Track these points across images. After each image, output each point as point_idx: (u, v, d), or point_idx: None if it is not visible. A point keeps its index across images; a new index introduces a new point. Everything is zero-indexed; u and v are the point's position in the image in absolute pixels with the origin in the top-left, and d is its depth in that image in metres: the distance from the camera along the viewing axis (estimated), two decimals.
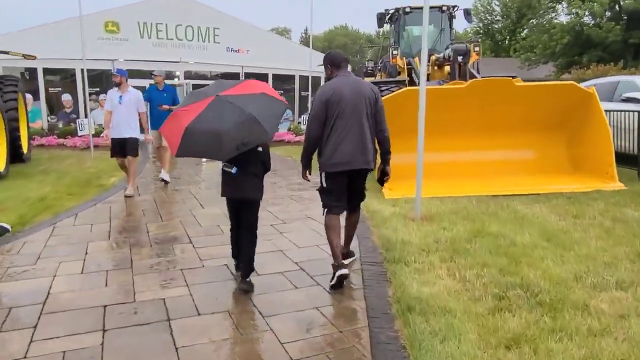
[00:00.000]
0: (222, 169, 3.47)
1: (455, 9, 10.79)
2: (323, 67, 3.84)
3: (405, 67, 9.99)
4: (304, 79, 19.89)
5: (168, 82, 10.22)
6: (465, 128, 7.60)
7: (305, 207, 6.38)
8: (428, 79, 9.38)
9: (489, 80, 7.05)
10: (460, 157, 7.72)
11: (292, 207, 6.42)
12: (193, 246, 4.66)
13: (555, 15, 29.53)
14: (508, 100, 7.23)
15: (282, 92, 19.91)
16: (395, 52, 10.07)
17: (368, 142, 3.61)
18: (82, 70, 14.17)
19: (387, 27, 12.00)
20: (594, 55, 22.62)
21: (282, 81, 20.46)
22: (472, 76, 8.64)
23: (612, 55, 21.74)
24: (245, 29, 18.86)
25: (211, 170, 9.88)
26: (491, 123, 7.58)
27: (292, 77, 20.04)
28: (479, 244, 4.38)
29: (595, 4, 21.92)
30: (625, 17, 22.32)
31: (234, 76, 18.89)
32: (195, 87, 17.90)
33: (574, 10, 24.43)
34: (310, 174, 3.88)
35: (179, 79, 17.97)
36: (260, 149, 3.47)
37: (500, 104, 7.30)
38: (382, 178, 4.09)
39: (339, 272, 3.52)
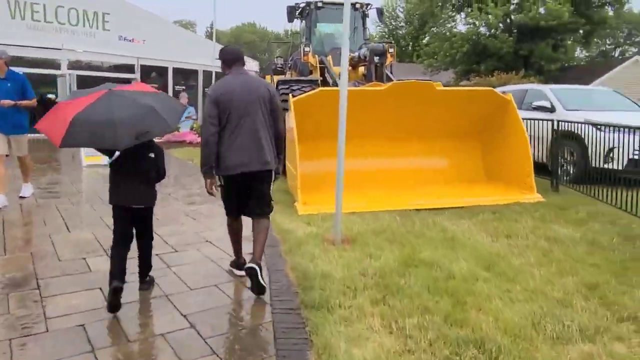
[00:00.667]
0: (111, 170, 3.25)
1: (369, 7, 10.23)
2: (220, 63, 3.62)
3: (318, 65, 9.20)
4: (208, 74, 18.42)
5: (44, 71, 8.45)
6: (383, 133, 6.98)
7: (205, 226, 5.27)
8: None
9: (409, 83, 6.47)
10: (378, 164, 7.10)
11: (187, 226, 5.28)
12: (40, 294, 3.38)
13: (455, 24, 30.91)
14: (427, 104, 6.72)
15: (184, 88, 18.34)
16: (307, 49, 9.24)
17: (264, 143, 3.44)
18: None
19: (298, 22, 11.13)
20: (490, 64, 23.77)
21: (185, 76, 18.83)
22: (388, 79, 8.07)
23: (506, 65, 22.98)
24: (140, 16, 16.96)
25: (93, 177, 8.30)
26: (409, 128, 7.05)
27: (195, 72, 18.48)
28: (413, 277, 3.63)
29: (490, 15, 23.03)
30: (515, 30, 23.72)
31: (129, 68, 16.94)
32: (82, 79, 15.68)
33: (470, 20, 25.57)
34: (216, 187, 3.52)
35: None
36: (152, 155, 3.27)
37: (419, 109, 6.77)
38: (275, 176, 3.76)
39: (238, 272, 3.68)
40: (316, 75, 9.19)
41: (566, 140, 7.28)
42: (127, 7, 16.74)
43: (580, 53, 33.05)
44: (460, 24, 29.53)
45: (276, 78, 10.21)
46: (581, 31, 24.75)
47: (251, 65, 20.31)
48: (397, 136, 7.05)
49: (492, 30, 24.35)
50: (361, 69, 9.18)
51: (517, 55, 23.70)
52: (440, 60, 26.38)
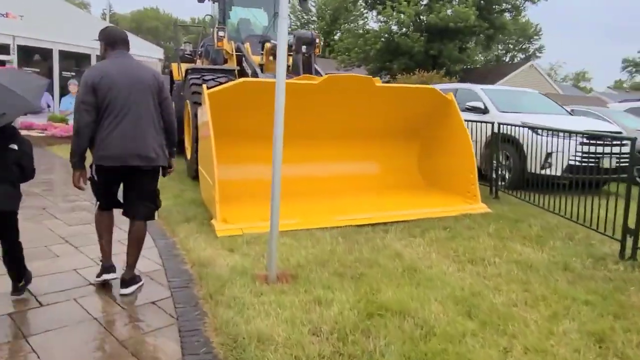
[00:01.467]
0: None
1: None
2: (99, 45, 3.25)
3: (234, 53, 7.95)
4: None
5: None
6: (314, 134, 5.98)
7: (90, 259, 3.89)
8: (262, 71, 7.54)
9: (347, 77, 5.54)
10: (307, 170, 6.10)
11: (63, 262, 3.86)
12: None
13: (366, 21, 30.86)
14: (364, 102, 5.85)
15: (75, 74, 15.91)
16: (221, 34, 7.94)
17: (147, 136, 3.11)
18: None
19: (209, 5, 9.73)
20: (402, 63, 23.91)
21: (74, 60, 16.32)
22: (317, 72, 7.09)
23: (417, 64, 23.22)
24: None
25: None
26: (343, 129, 6.15)
27: (88, 56, 16.06)
28: (382, 335, 2.68)
29: (403, 15, 23.10)
30: (426, 31, 24.06)
31: (4, 48, 14.21)
32: None
33: (382, 18, 25.58)
34: (86, 180, 3.18)
35: None
36: (15, 146, 2.74)
37: (355, 107, 5.88)
38: (165, 170, 3.47)
39: (106, 276, 3.28)
40: (232, 65, 7.94)
41: (502, 143, 6.85)
42: None
43: (480, 56, 34.80)
44: (372, 21, 29.53)
45: (184, 66, 8.78)
46: (482, 35, 25.82)
47: (154, 53, 18.25)
48: (329, 137, 6.11)
49: (404, 29, 24.49)
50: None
51: (427, 54, 24.08)
52: (353, 57, 26.08)
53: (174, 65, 10.18)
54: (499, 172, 6.97)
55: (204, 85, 5.13)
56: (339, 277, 3.56)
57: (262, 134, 5.69)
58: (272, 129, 5.77)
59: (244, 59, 7.73)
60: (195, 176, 6.90)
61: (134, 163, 3.08)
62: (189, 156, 7.48)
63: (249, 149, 5.58)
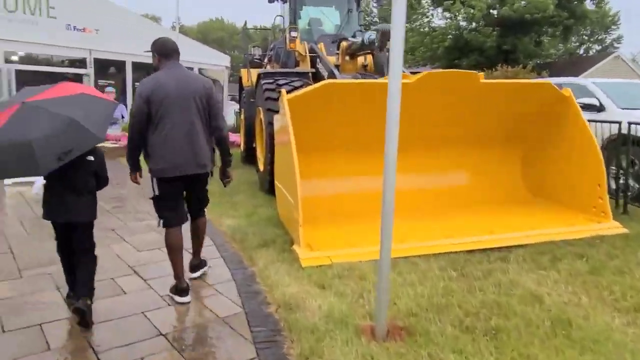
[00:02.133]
0: (45, 186, 2.80)
1: None
2: (152, 56, 3.30)
3: (308, 54, 7.27)
4: None
5: None
6: (404, 141, 5.12)
7: (157, 299, 3.29)
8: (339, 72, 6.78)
9: (449, 74, 4.64)
10: (402, 183, 5.24)
11: (129, 301, 3.27)
12: None
13: (431, 18, 29.41)
14: (466, 102, 4.92)
15: (112, 82, 15.97)
16: (293, 34, 7.28)
17: (201, 144, 3.16)
18: None
19: (279, 5, 9.14)
20: (472, 60, 22.38)
21: (146, 71, 16.46)
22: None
23: (488, 60, 21.62)
24: (94, 3, 14.53)
25: (12, 208, 6.13)
26: (438, 133, 5.24)
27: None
28: None
29: (473, 9, 21.62)
30: (498, 25, 22.37)
31: (81, 62, 14.52)
32: (23, 74, 13.21)
33: (448, 15, 24.15)
34: (140, 176, 3.35)
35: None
36: (91, 157, 2.80)
37: (454, 107, 4.97)
38: (224, 181, 3.54)
39: (180, 299, 3.16)
40: (305, 67, 7.25)
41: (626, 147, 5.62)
42: None
43: (554, 50, 32.16)
44: (437, 18, 28.05)
45: (254, 71, 8.24)
46: (560, 26, 23.65)
47: (220, 60, 18.12)
48: (421, 144, 5.21)
49: (474, 24, 22.94)
50: (360, 59, 7.30)
51: (499, 49, 22.39)
52: (418, 56, 24.85)
53: (243, 71, 9.70)
54: (620, 181, 5.74)
55: (283, 90, 4.44)
56: (467, 333, 2.69)
57: (349, 143, 4.95)
58: (362, 137, 4.97)
59: (318, 60, 7.02)
60: (269, 190, 6.27)
61: (194, 171, 3.16)
62: (261, 168, 6.87)
63: (334, 161, 4.85)
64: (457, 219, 4.89)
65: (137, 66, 15.76)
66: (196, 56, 16.26)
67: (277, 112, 5.95)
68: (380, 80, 5.07)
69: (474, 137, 5.43)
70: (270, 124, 5.94)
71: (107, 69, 15.57)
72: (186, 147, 3.09)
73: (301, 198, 3.99)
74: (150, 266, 3.87)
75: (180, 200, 3.29)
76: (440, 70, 4.72)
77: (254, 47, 9.84)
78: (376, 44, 5.95)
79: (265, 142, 6.21)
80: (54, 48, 13.99)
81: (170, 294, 3.23)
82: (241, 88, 9.93)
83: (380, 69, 6.13)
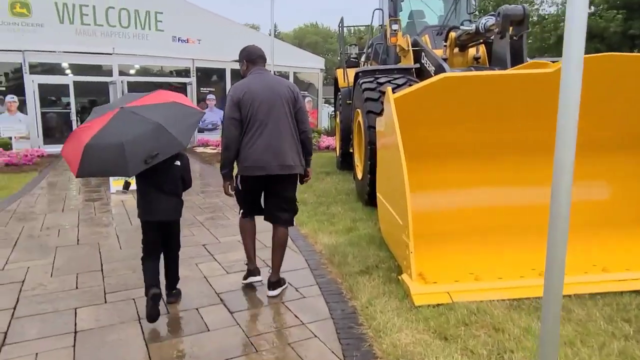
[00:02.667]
0: (137, 184, 2.97)
1: None
2: (239, 63, 3.38)
3: (411, 49, 6.46)
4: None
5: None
6: (525, 146, 4.11)
7: (244, 340, 2.75)
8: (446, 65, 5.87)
9: (603, 58, 3.55)
10: (517, 198, 4.24)
11: (213, 341, 2.78)
12: None
13: (540, 6, 26.68)
14: (616, 94, 3.81)
15: (212, 89, 16.22)
16: (395, 26, 6.53)
17: (286, 145, 3.18)
18: None
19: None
20: (591, 48, 19.71)
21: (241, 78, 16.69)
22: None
23: (611, 47, 18.86)
24: (196, 14, 14.98)
25: (115, 217, 6.12)
26: (590, 136, 4.14)
27: None
28: None
29: None
30: (623, 8, 19.44)
31: (186, 72, 15.08)
32: (134, 85, 13.99)
33: (560, 0, 21.53)
34: (233, 188, 3.34)
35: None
36: (178, 162, 3.00)
37: (599, 103, 3.87)
38: (302, 179, 3.44)
39: (252, 279, 3.44)
40: (408, 62, 6.45)
41: None
42: (182, 4, 14.79)
43: None
44: (547, 5, 25.30)
45: (352, 71, 7.61)
46: None
47: (315, 63, 17.84)
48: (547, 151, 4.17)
49: (592, 9, 20.20)
50: (471, 51, 6.33)
51: (624, 35, 19.45)
52: (527, 47, 22.53)
53: (339, 72, 9.13)
54: None
55: (389, 88, 3.71)
56: None
57: (470, 148, 4.06)
58: (487, 141, 4.10)
59: (423, 54, 6.19)
60: (368, 201, 5.58)
61: (276, 172, 3.15)
62: (359, 176, 6.21)
63: (451, 169, 4.03)
64: (608, 243, 3.81)
65: (236, 73, 16.03)
66: (291, 60, 16.17)
67: (377, 114, 5.26)
68: (512, 71, 4.13)
69: (626, 139, 4.26)
70: (370, 127, 5.26)
71: (210, 77, 15.99)
72: (271, 148, 3.13)
73: (412, 214, 3.24)
74: (238, 296, 3.38)
75: (259, 198, 3.40)
76: (597, 54, 3.62)
77: (350, 45, 9.22)
78: (496, 30, 4.98)
79: (365, 147, 5.53)
80: (161, 59, 14.65)
81: (244, 282, 3.49)
82: (337, 89, 9.37)
83: (497, 61, 5.15)
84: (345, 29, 8.94)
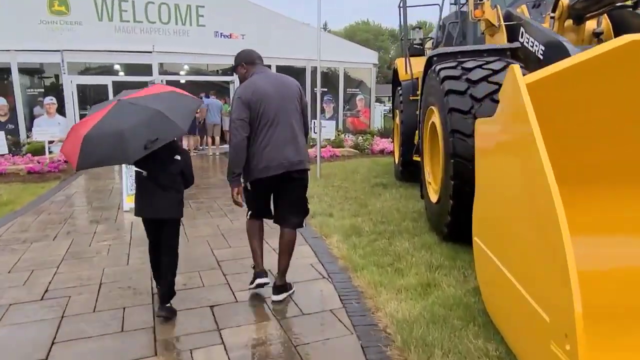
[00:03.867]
0: (135, 180, 2.90)
1: None
2: (235, 71, 3.21)
3: (503, 24, 4.70)
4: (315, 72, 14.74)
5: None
6: None
7: None
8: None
9: None
10: None
11: None
12: None
13: None
14: None
15: None
16: None
17: (301, 141, 3.08)
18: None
19: None
20: None
21: (292, 75, 15.29)
22: None
23: None
24: (239, 7, 13.72)
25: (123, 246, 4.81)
26: None
27: (303, 70, 14.85)
28: None
29: None
30: None
31: (229, 70, 13.84)
32: (174, 85, 12.94)
33: None
34: (243, 197, 3.09)
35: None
36: (178, 157, 2.88)
37: None
38: None
39: (259, 280, 3.13)
40: (500, 40, 4.70)
41: None
42: None
43: None
44: None
45: (417, 60, 5.99)
46: None
47: (368, 57, 16.12)
48: None
49: None
50: (590, 24, 4.49)
51: None
52: None
53: (399, 61, 7.45)
54: None
55: (515, 67, 2.05)
56: None
57: None
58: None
59: (522, 30, 4.42)
60: (449, 235, 3.93)
61: (296, 167, 3.00)
62: (432, 198, 4.46)
63: (622, 200, 2.30)
64: None
65: (281, 69, 14.67)
66: (340, 54, 14.54)
67: (465, 112, 3.59)
68: None
69: None
70: (455, 132, 3.60)
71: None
72: (288, 144, 2.99)
73: (576, 270, 1.55)
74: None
75: (269, 200, 3.21)
76: None
77: (413, 29, 7.50)
78: None
79: (445, 160, 3.85)
80: (203, 57, 13.52)
81: (250, 287, 3.18)
82: (395, 83, 7.70)
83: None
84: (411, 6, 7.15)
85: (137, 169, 2.82)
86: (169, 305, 2.85)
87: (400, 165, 7.06)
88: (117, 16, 12.37)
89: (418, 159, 5.71)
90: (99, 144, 2.54)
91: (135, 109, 2.66)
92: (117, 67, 12.90)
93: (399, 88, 7.19)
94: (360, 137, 11.52)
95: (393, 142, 8.37)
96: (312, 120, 11.46)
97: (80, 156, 2.52)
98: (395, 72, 7.61)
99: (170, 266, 2.90)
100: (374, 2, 67.87)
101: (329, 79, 15.46)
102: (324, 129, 10.89)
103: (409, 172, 6.78)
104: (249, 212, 3.20)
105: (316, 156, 8.23)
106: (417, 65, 6.34)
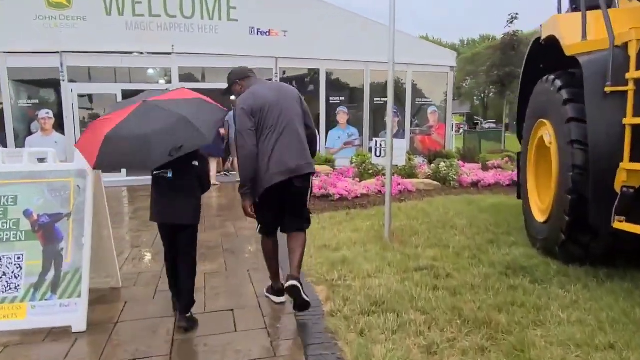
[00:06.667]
0: (153, 184, 2.81)
1: None
2: (231, 91, 3.19)
3: None
4: (380, 76, 11.35)
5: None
6: None
7: None
8: None
9: None
10: None
11: None
12: None
13: None
14: None
15: (343, 98, 11.67)
16: None
17: (304, 146, 3.01)
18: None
19: None
20: None
21: (345, 82, 11.99)
22: None
23: None
24: None
25: None
26: None
27: (361, 72, 11.49)
28: None
29: None
30: None
31: (266, 72, 10.70)
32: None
33: None
34: (254, 210, 2.96)
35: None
36: (196, 162, 2.82)
37: None
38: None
39: (277, 299, 3.13)
40: None
41: None
42: None
43: None
44: None
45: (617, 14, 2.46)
46: None
47: (441, 59, 12.47)
48: None
49: None
50: None
51: None
52: None
53: (566, 18, 3.81)
54: None
55: None
56: None
57: None
58: None
59: None
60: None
61: (305, 171, 2.95)
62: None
63: None
64: None
65: (332, 75, 11.41)
66: (407, 55, 10.88)
67: None
68: None
69: None
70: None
71: (300, 80, 11.57)
72: (294, 149, 2.92)
73: None
74: None
75: (279, 211, 3.05)
76: None
77: None
78: None
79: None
80: (235, 59, 10.47)
81: (267, 294, 3.21)
82: (533, 73, 4.15)
83: None
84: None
85: (157, 172, 2.72)
86: (189, 315, 2.76)
87: (566, 232, 3.43)
88: (129, 9, 9.69)
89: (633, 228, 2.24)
90: (121, 145, 2.48)
91: (162, 113, 2.58)
92: (128, 72, 10.17)
93: (544, 81, 3.61)
94: (443, 163, 7.86)
95: (519, 175, 4.72)
96: (374, 139, 8.01)
97: (99, 155, 2.44)
98: (546, 45, 3.99)
99: (189, 274, 2.82)
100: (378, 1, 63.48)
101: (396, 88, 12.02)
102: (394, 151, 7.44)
103: (585, 249, 3.20)
104: (259, 226, 3.10)
105: (382, 192, 4.78)
106: (619, 20, 2.79)
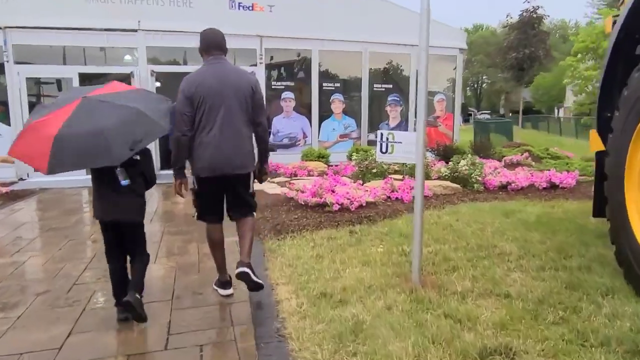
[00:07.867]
0: (93, 179, 2.62)
1: None
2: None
3: None
4: (380, 59, 9.93)
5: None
6: None
7: None
8: None
9: None
10: None
11: None
12: None
13: None
14: None
15: (338, 85, 10.22)
16: None
17: (242, 143, 2.88)
18: None
19: None
20: None
21: (345, 64, 10.47)
22: None
23: None
24: None
25: None
26: None
27: (359, 55, 10.00)
28: None
29: None
30: None
31: (249, 56, 9.17)
32: (165, 77, 8.50)
33: None
34: (187, 188, 2.92)
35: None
36: (138, 157, 2.60)
37: None
38: (261, 177, 3.09)
39: (224, 292, 3.01)
40: None
41: None
42: None
43: None
44: None
45: None
46: None
47: (449, 40, 11.02)
48: None
49: None
50: None
51: None
52: None
53: None
54: None
55: None
56: None
57: None
58: None
59: None
60: None
61: (232, 171, 2.84)
62: None
63: None
64: None
65: (324, 56, 9.89)
66: (409, 34, 9.41)
67: None
68: None
69: None
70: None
71: (290, 66, 10.04)
72: (227, 146, 2.80)
73: None
74: None
75: (218, 200, 2.96)
76: None
77: None
78: None
79: None
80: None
81: (215, 287, 3.08)
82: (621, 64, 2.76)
83: None
84: None
85: (119, 171, 2.51)
86: (138, 295, 2.59)
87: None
88: None
89: None
90: (74, 145, 2.31)
91: (111, 107, 2.43)
92: (85, 52, 8.56)
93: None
94: (463, 161, 6.43)
95: (599, 184, 3.29)
96: (379, 132, 6.49)
97: (51, 158, 2.27)
98: (616, 45, 2.65)
99: (142, 263, 2.72)
100: None
101: (393, 71, 10.58)
102: (398, 146, 6.02)
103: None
104: (195, 213, 3.00)
105: (391, 199, 3.40)
106: None
